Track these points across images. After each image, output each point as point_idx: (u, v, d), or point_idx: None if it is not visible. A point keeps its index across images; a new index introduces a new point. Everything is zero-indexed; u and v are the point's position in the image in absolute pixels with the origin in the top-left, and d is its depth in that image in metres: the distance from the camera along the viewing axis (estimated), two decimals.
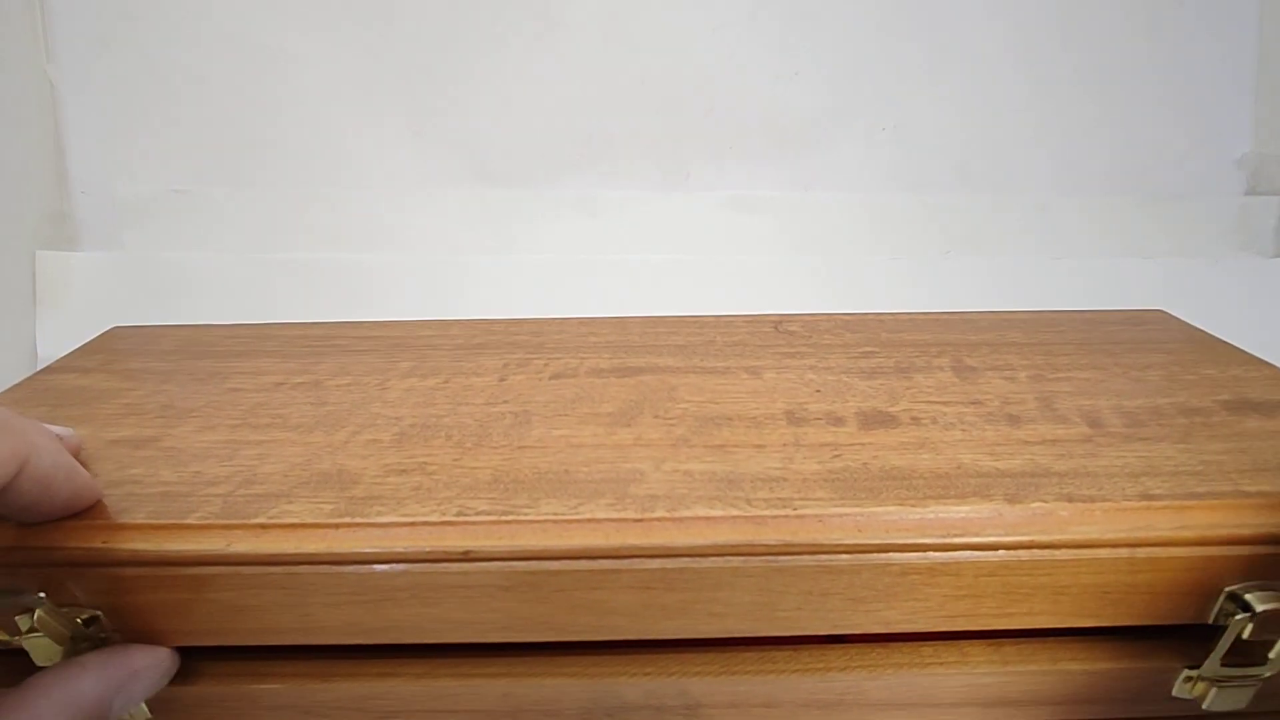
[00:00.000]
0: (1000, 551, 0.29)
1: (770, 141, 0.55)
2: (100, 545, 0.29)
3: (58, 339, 0.53)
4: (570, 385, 0.40)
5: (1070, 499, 0.30)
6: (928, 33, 0.54)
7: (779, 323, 0.49)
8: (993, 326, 0.47)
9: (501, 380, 0.41)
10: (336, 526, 0.29)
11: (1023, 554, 0.29)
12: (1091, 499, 0.30)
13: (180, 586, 0.29)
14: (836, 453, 0.34)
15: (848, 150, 0.55)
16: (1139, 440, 0.35)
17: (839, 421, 0.36)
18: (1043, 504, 0.30)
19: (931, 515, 0.30)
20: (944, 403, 0.38)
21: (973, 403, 0.38)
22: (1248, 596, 0.30)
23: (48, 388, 0.41)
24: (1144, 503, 0.30)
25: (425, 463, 0.33)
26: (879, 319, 0.48)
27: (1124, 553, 0.30)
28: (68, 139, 0.53)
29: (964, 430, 0.35)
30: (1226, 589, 0.30)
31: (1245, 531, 0.30)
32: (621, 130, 0.55)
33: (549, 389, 0.39)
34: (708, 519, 0.30)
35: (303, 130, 0.55)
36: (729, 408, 0.37)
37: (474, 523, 0.29)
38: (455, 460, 0.33)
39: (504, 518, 0.30)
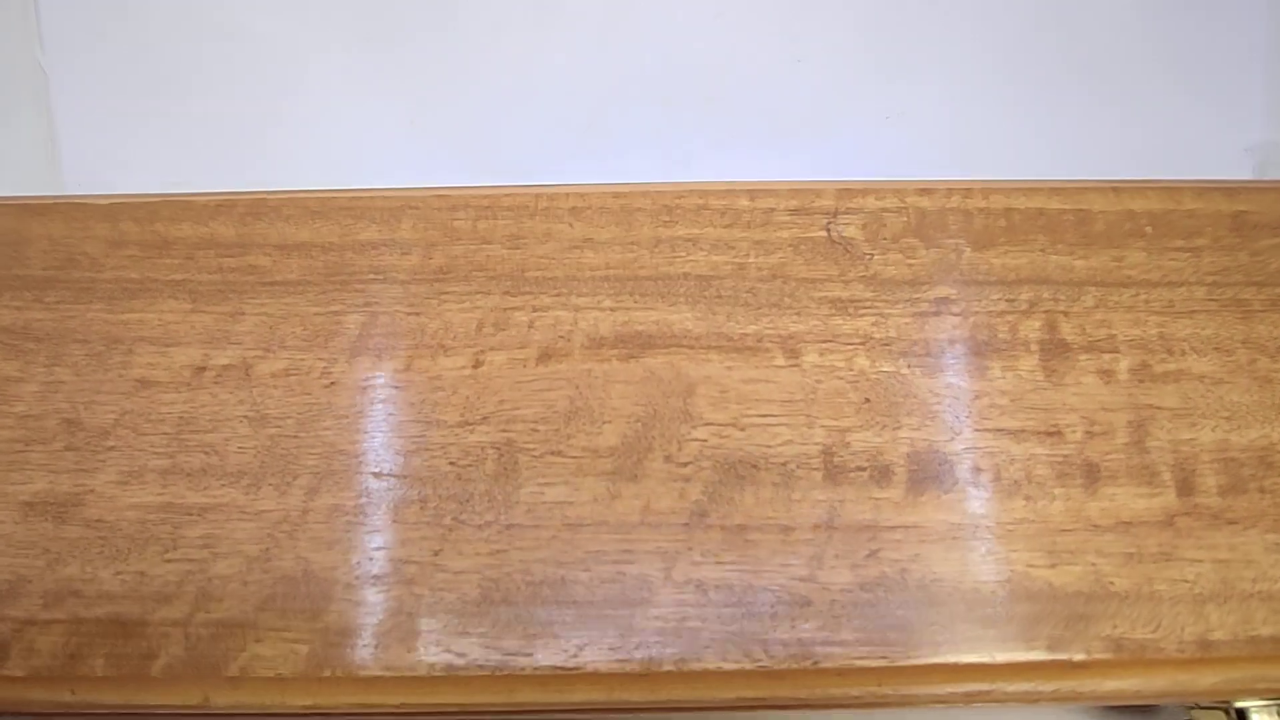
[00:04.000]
0: (1035, 704, 0.28)
1: (772, 130, 0.52)
2: (68, 698, 0.27)
3: None
4: (562, 379, 0.32)
5: (1119, 645, 0.27)
6: (932, 19, 0.52)
7: (833, 219, 0.37)
8: (1113, 238, 0.35)
9: (476, 366, 0.32)
10: (319, 680, 0.27)
11: (1055, 703, 0.27)
12: (1142, 645, 0.28)
13: None
14: (874, 545, 0.29)
15: (851, 138, 0.52)
16: (1226, 524, 0.29)
17: (885, 476, 0.30)
18: (1085, 654, 0.28)
19: (966, 661, 0.27)
20: (1016, 433, 0.31)
21: (1051, 433, 0.31)
22: None
23: None
24: (1199, 652, 0.27)
25: (402, 562, 0.29)
26: (965, 213, 0.35)
27: (1155, 700, 0.28)
28: (60, 130, 0.52)
29: (1028, 500, 0.30)
30: None
31: None
32: (621, 119, 0.52)
33: (536, 388, 0.31)
34: (719, 674, 0.27)
35: (297, 121, 0.52)
36: (757, 439, 0.30)
37: (467, 677, 0.27)
38: (434, 556, 0.29)
39: (499, 671, 0.27)
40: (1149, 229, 0.37)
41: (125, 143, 0.54)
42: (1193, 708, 0.32)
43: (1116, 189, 0.38)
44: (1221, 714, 0.31)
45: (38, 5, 0.52)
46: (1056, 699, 0.28)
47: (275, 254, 0.36)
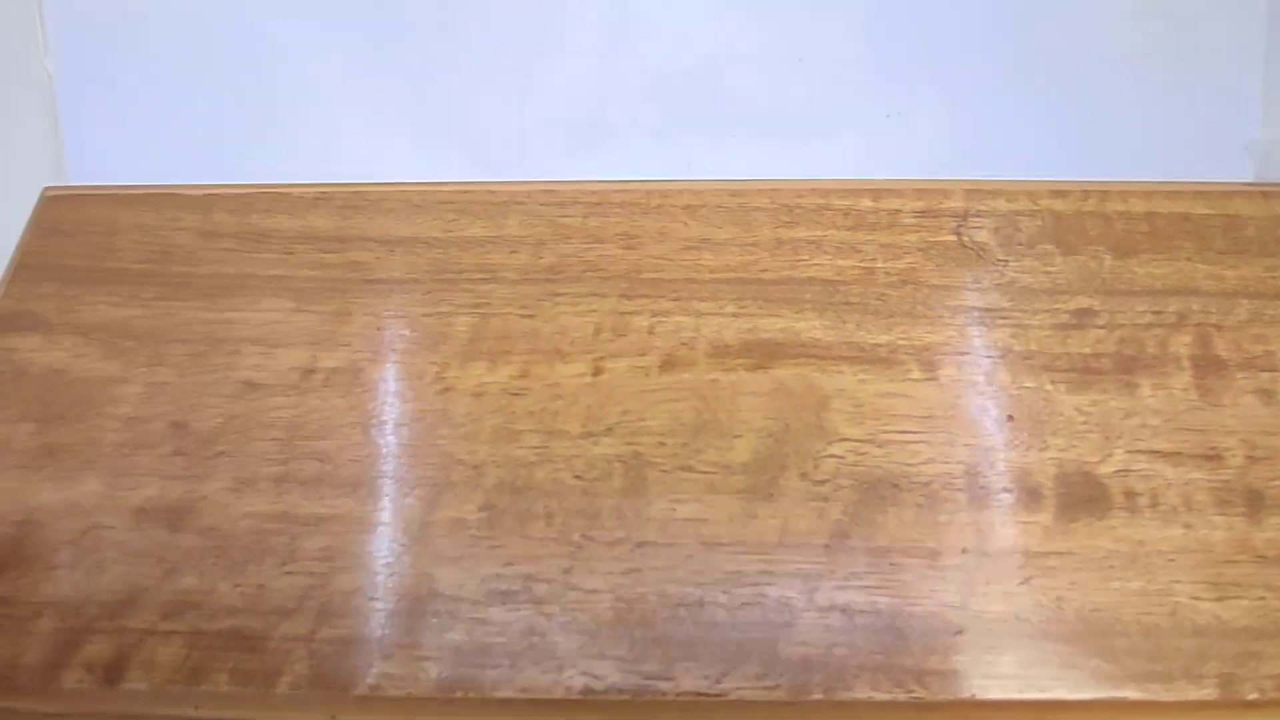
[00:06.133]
0: None
1: (772, 129, 0.52)
2: (191, 713, 0.26)
3: None
4: (687, 389, 0.30)
5: None
6: (932, 17, 0.52)
7: (963, 222, 0.35)
8: (1264, 244, 0.32)
9: (596, 374, 0.31)
10: (450, 702, 0.26)
11: None
12: None
13: None
14: (1025, 573, 0.27)
15: (851, 137, 0.52)
16: None
17: (1034, 499, 0.28)
18: (1259, 694, 0.26)
19: (1132, 699, 0.25)
20: (1171, 456, 0.29)
21: (1210, 455, 0.29)
22: None
23: (16, 371, 0.31)
24: None
25: (530, 577, 0.28)
26: (1104, 217, 0.33)
27: None
28: (66, 132, 0.52)
29: (1187, 527, 0.28)
30: None
31: None
32: (621, 118, 0.52)
33: (661, 398, 0.30)
34: (871, 704, 0.26)
35: (301, 121, 0.52)
36: (896, 456, 0.29)
37: (604, 701, 0.26)
38: (565, 573, 0.27)
39: (639, 697, 0.26)
40: None
41: (131, 145, 0.54)
42: None
43: (1265, 193, 0.36)
44: None
45: (42, 9, 0.51)
46: None
47: (378, 249, 0.35)
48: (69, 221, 0.36)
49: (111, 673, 0.27)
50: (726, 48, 0.52)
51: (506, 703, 0.26)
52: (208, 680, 0.26)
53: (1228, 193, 0.35)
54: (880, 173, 0.52)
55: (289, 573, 0.28)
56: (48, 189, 0.37)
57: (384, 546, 0.28)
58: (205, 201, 0.36)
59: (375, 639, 0.27)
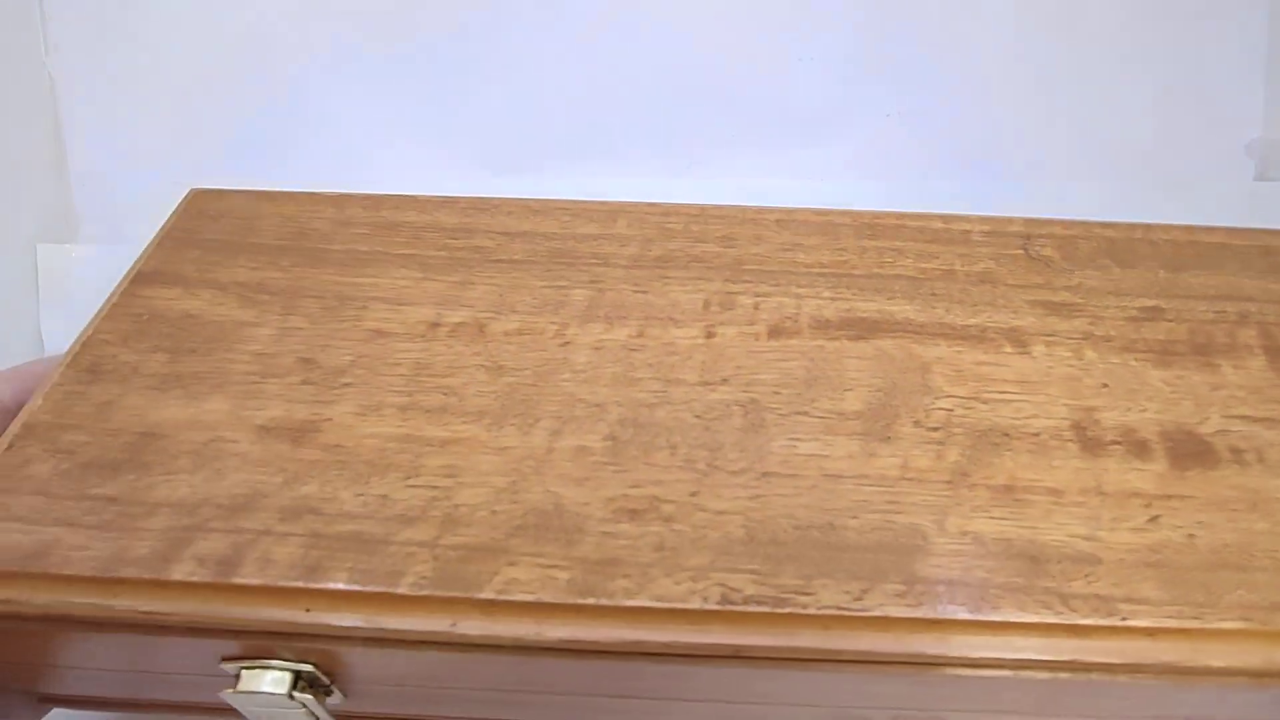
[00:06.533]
0: None
1: (776, 129, 0.52)
2: (303, 617, 0.25)
3: (64, 332, 0.50)
4: (795, 352, 0.32)
5: None
6: (935, 17, 0.51)
7: (1028, 240, 0.39)
8: None
9: (709, 336, 0.33)
10: (579, 610, 0.25)
11: None
12: None
13: (397, 661, 0.26)
14: (1152, 512, 0.28)
15: (852, 137, 0.51)
16: None
17: (1143, 450, 0.29)
18: None
19: (1276, 629, 0.26)
20: (1267, 421, 0.30)
21: None
22: None
23: (153, 314, 0.33)
24: None
25: (657, 497, 0.28)
26: (1150, 242, 0.37)
27: None
28: (68, 132, 0.51)
29: None
30: None
31: None
32: (624, 118, 0.52)
33: (771, 358, 0.32)
34: (1019, 625, 0.26)
35: (304, 121, 0.52)
36: (1002, 411, 0.30)
37: (743, 613, 0.25)
38: (692, 495, 0.28)
39: (778, 609, 0.25)
40: None
41: (133, 147, 0.53)
42: None
43: None
44: None
45: (43, 10, 0.51)
46: None
47: (500, 238, 0.38)
48: (214, 209, 0.38)
49: (224, 567, 0.25)
50: (726, 47, 0.52)
51: (640, 611, 0.25)
52: (325, 576, 0.25)
53: (1258, 231, 0.40)
54: (879, 172, 0.52)
55: (412, 485, 0.27)
56: (194, 189, 0.40)
57: (509, 467, 0.28)
58: (340, 199, 0.39)
59: (501, 547, 0.26)
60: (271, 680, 0.25)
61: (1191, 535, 0.27)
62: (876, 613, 0.25)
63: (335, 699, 0.28)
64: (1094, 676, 0.25)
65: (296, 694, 0.26)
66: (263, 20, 0.52)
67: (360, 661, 0.27)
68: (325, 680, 0.27)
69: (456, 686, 0.29)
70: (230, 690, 0.26)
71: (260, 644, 0.26)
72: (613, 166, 0.53)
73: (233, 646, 0.26)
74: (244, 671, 0.26)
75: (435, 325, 0.33)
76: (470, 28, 0.52)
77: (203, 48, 0.53)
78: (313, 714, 0.27)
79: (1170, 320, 0.35)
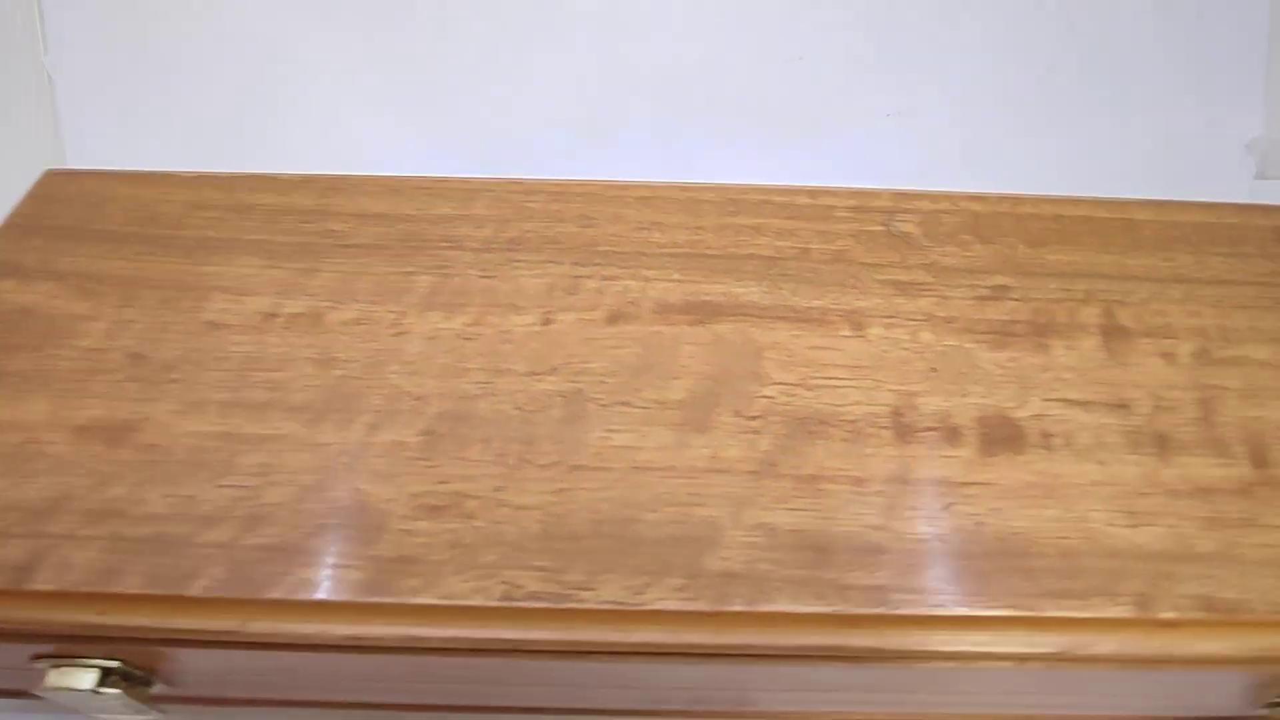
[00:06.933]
0: (1127, 667, 0.26)
1: (772, 127, 0.51)
2: (95, 619, 0.26)
3: None
4: (631, 338, 0.32)
5: (1209, 604, 0.26)
6: (933, 16, 0.51)
7: (891, 216, 0.38)
8: (1159, 242, 0.36)
9: (546, 324, 0.33)
10: (364, 609, 0.26)
11: (1147, 667, 0.26)
12: (1234, 606, 0.26)
13: (208, 657, 0.26)
14: (948, 500, 0.28)
15: (851, 136, 0.51)
16: None
17: (955, 437, 0.29)
18: (1175, 612, 0.26)
19: (1046, 617, 0.25)
20: (1084, 403, 0.30)
21: (1119, 405, 0.30)
22: None
23: None
24: None
25: (461, 494, 0.28)
26: (1016, 216, 0.37)
27: (1247, 669, 0.27)
28: (66, 131, 0.52)
29: (1101, 463, 0.29)
30: None
31: None
32: (619, 118, 0.51)
33: (605, 345, 0.32)
34: (792, 616, 0.26)
35: (301, 119, 0.52)
36: (825, 398, 0.30)
37: (523, 609, 0.26)
38: (497, 491, 0.28)
39: (559, 604, 0.26)
40: (1193, 237, 0.38)
41: (129, 143, 0.53)
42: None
43: (1158, 204, 0.39)
44: None
45: (42, 8, 0.52)
46: (1147, 662, 0.26)
47: (353, 221, 0.37)
48: (64, 192, 0.38)
49: (20, 574, 0.26)
50: (725, 46, 0.52)
51: (425, 609, 0.26)
52: (119, 581, 0.26)
53: (1125, 203, 0.39)
54: (880, 171, 0.51)
55: (221, 485, 0.28)
56: (48, 170, 0.39)
57: (321, 464, 0.29)
58: (196, 180, 0.39)
59: (298, 547, 0.27)
60: (78, 677, 0.26)
61: (981, 523, 0.28)
62: (654, 607, 0.26)
63: (161, 688, 0.29)
64: (867, 665, 0.26)
65: (103, 689, 0.27)
66: (257, 20, 0.52)
67: (174, 656, 0.27)
68: (140, 673, 0.28)
69: (276, 674, 0.29)
70: (41, 686, 0.27)
71: (64, 645, 0.27)
72: (607, 166, 0.52)
73: (44, 646, 0.27)
74: (50, 670, 0.27)
75: (272, 316, 0.33)
76: (468, 28, 0.52)
77: (200, 47, 0.53)
78: (128, 704, 0.28)
79: (1016, 299, 0.35)
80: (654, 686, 0.28)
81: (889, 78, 0.51)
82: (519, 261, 0.35)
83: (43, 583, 0.26)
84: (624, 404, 0.30)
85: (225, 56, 0.52)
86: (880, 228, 0.38)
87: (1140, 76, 0.51)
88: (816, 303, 0.34)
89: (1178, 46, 0.51)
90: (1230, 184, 0.54)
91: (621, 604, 0.26)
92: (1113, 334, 0.33)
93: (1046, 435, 0.30)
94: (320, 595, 0.26)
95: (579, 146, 0.53)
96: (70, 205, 0.38)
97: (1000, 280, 0.35)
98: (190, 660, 0.27)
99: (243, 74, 0.52)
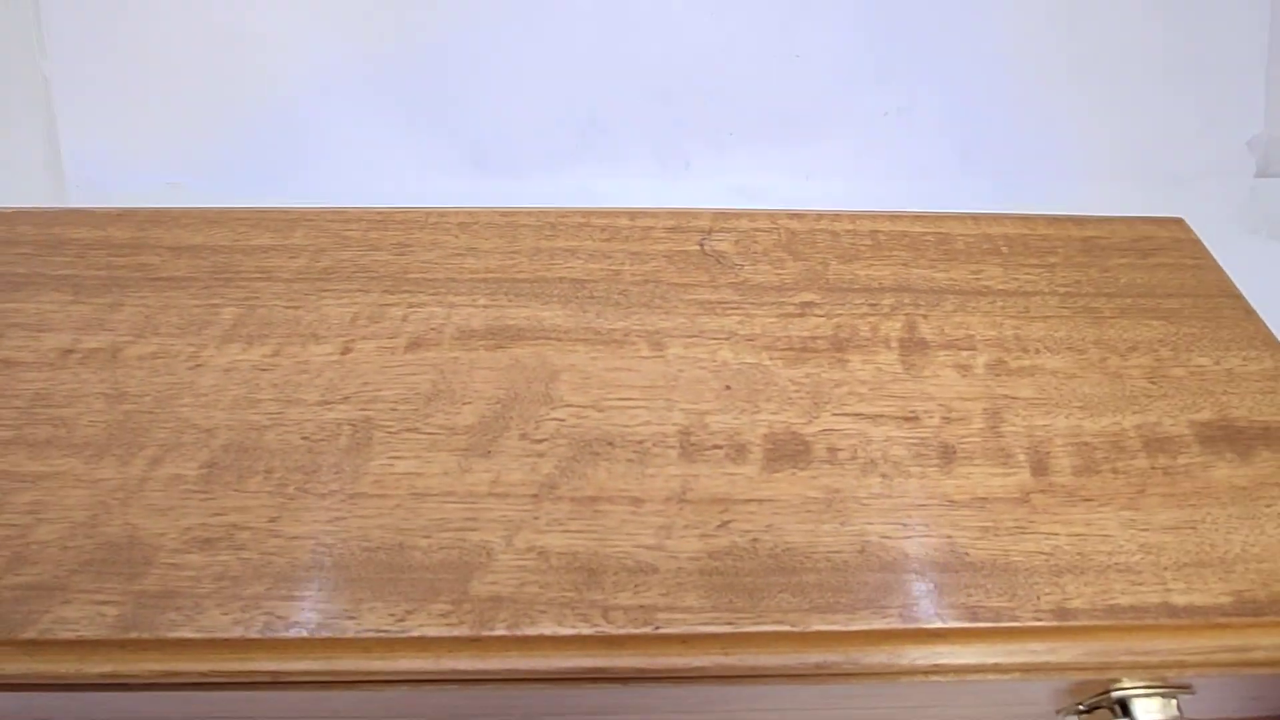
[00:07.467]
0: (896, 678, 0.26)
1: (771, 127, 0.52)
2: None
3: None
4: (428, 365, 0.32)
5: (974, 613, 0.27)
6: (930, 14, 0.51)
7: (707, 235, 0.39)
8: (971, 255, 0.37)
9: (345, 352, 0.33)
10: (122, 645, 0.25)
11: (914, 677, 0.26)
12: (998, 615, 0.27)
13: None
14: (726, 517, 0.29)
15: (849, 134, 0.52)
16: (1082, 501, 0.30)
17: (741, 453, 0.30)
18: (940, 624, 0.27)
19: (813, 632, 0.26)
20: (874, 417, 0.31)
21: (909, 418, 0.31)
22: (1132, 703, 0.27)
23: None
24: (1055, 623, 0.27)
25: (235, 525, 0.28)
26: (833, 234, 0.38)
27: (1014, 676, 0.27)
28: (62, 135, 0.52)
29: (884, 477, 0.29)
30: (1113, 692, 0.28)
31: (1155, 659, 0.26)
32: (619, 117, 0.52)
33: (401, 372, 0.32)
34: (554, 639, 0.26)
35: (298, 122, 0.52)
36: (615, 419, 0.30)
37: (283, 640, 0.26)
38: (271, 521, 0.28)
39: (319, 634, 0.26)
40: (1005, 249, 0.39)
41: (126, 147, 0.54)
42: (1078, 711, 0.30)
43: (975, 217, 0.40)
44: (1107, 713, 0.29)
45: (39, 12, 0.52)
46: (915, 672, 0.26)
47: (166, 254, 0.37)
48: None
49: None
50: (723, 45, 0.52)
51: (183, 643, 0.25)
52: None
53: (941, 216, 0.40)
54: (878, 171, 0.52)
55: None
56: None
57: (96, 500, 0.28)
58: (11, 216, 0.39)
59: (61, 585, 0.26)
60: None
61: (756, 540, 0.28)
62: (416, 634, 0.26)
63: None
64: (633, 687, 0.26)
65: None
66: (256, 24, 0.52)
67: None
68: None
69: (61, 714, 0.28)
70: None
71: None
72: (607, 167, 0.53)
73: None
74: None
75: (69, 352, 0.33)
76: (467, 30, 0.52)
77: (196, 51, 0.53)
78: None
79: (821, 316, 0.35)
80: (427, 715, 0.28)
81: (887, 76, 0.51)
82: (328, 291, 0.35)
83: None
84: (412, 430, 0.31)
85: (222, 63, 0.52)
86: (696, 246, 0.39)
87: (1141, 75, 0.52)
88: (620, 324, 0.35)
89: (1178, 45, 0.51)
90: (1231, 181, 0.54)
91: (383, 631, 0.26)
92: (912, 347, 0.34)
93: (833, 450, 0.30)
94: (75, 634, 0.26)
95: (572, 149, 0.53)
96: None
97: (807, 297, 0.36)
98: None
99: (239, 80, 0.52)
